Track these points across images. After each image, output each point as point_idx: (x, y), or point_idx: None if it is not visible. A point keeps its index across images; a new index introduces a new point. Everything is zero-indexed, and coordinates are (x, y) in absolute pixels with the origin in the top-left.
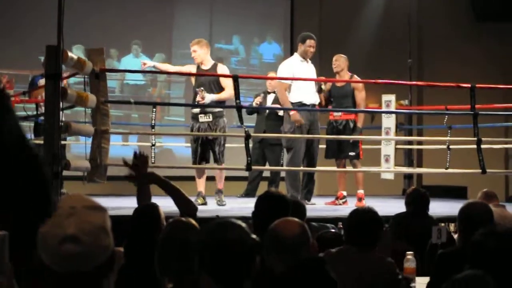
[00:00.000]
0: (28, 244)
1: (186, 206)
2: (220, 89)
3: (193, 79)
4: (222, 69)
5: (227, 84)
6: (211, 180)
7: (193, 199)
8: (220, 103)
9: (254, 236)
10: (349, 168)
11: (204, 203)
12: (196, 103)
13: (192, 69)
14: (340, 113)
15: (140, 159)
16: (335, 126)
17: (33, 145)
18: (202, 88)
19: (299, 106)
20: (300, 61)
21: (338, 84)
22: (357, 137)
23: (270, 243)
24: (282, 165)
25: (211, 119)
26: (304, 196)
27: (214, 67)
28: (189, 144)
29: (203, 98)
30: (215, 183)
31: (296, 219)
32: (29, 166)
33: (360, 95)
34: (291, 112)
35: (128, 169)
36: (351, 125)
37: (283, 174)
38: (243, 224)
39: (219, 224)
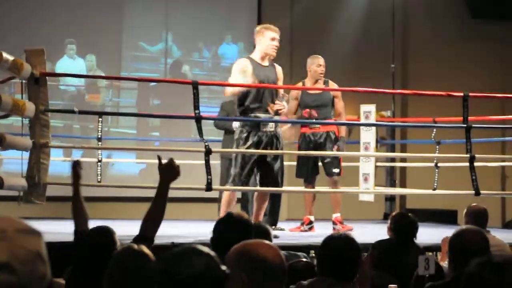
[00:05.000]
0: None
1: (156, 226)
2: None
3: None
4: (279, 69)
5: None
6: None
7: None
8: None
9: (223, 267)
10: (322, 188)
11: None
12: (273, 112)
13: (248, 66)
14: (318, 125)
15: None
16: (312, 140)
17: None
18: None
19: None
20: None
21: (311, 92)
22: (330, 153)
23: (251, 268)
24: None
25: (274, 128)
26: (269, 221)
27: (273, 64)
28: (140, 160)
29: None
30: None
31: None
32: None
33: (341, 103)
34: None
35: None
36: (333, 137)
37: None
38: (212, 252)
39: (184, 251)
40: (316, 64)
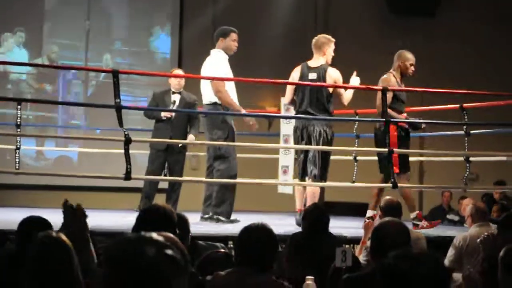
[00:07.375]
0: None
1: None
2: None
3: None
4: None
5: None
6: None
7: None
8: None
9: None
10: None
11: None
12: None
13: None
14: None
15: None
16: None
17: None
18: None
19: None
20: (226, 58)
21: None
22: (264, 145)
23: None
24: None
25: None
26: (224, 212)
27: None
28: (60, 148)
29: None
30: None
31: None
32: None
33: None
34: (247, 118)
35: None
36: None
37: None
38: (161, 238)
39: (135, 238)
40: (410, 61)
